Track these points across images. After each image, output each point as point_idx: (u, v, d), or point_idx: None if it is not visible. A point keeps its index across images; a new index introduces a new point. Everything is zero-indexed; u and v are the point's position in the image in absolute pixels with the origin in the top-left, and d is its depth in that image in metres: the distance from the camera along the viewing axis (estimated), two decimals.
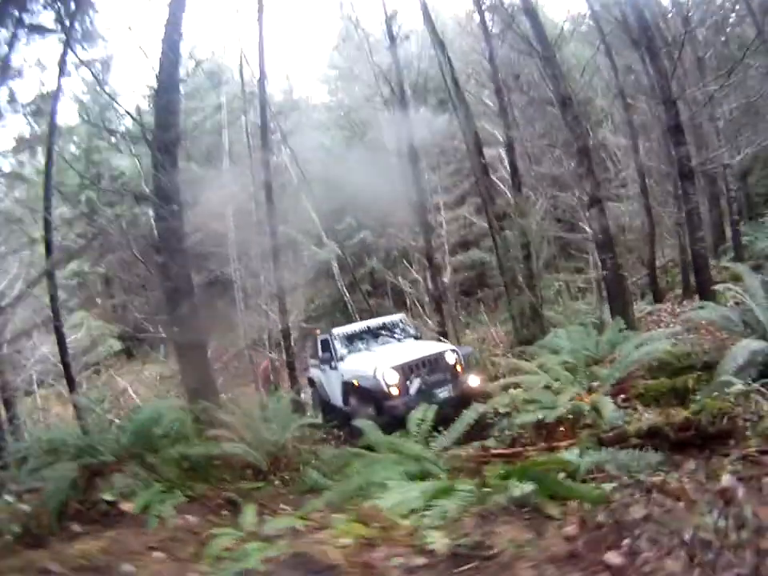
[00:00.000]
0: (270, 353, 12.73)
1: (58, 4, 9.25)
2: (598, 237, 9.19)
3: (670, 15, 12.93)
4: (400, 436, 5.50)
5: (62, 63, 9.88)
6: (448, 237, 15.80)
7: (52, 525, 4.03)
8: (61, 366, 10.52)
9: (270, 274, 11.51)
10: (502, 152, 12.57)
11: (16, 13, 9.02)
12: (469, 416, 5.28)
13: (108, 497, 4.41)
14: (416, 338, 9.32)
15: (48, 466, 4.82)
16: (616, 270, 9.17)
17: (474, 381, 7.58)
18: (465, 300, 16.84)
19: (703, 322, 6.92)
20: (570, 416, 5.26)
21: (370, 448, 5.31)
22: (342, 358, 8.78)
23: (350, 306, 15.16)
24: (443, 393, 7.47)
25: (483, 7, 11.38)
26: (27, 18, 9.16)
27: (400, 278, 14.58)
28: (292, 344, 11.02)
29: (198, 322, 8.47)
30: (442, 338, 10.54)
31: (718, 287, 7.84)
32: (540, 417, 5.13)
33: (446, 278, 14.38)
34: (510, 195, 12.38)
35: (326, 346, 9.26)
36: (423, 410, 5.61)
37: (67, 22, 9.68)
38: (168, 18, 8.73)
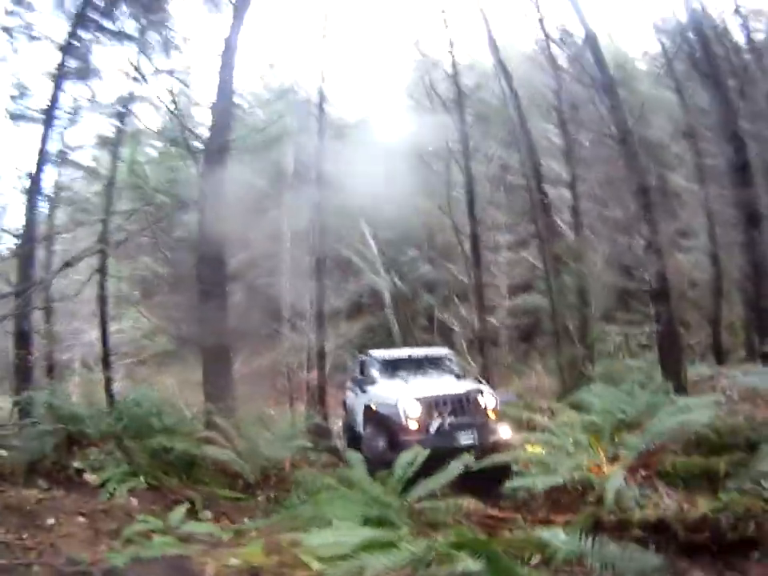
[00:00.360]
0: (308, 373, 12.32)
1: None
2: (653, 286, 8.17)
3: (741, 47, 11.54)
4: (381, 476, 4.88)
5: (137, 70, 10.41)
6: (507, 278, 14.99)
7: (21, 474, 4.56)
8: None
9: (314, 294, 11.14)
10: (566, 192, 11.66)
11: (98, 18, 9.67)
12: (454, 467, 4.59)
13: (77, 465, 4.83)
14: (458, 376, 8.18)
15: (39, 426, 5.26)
16: (671, 324, 8.09)
17: (505, 432, 6.48)
18: (520, 346, 15.71)
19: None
20: (579, 487, 4.52)
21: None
22: (373, 382, 7.94)
23: (396, 338, 14.48)
24: (467, 439, 6.38)
25: (551, 37, 10.75)
26: (108, 24, 9.89)
27: (447, 315, 13.82)
28: (326, 366, 10.59)
29: (225, 328, 8.36)
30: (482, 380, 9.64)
31: None
32: (538, 484, 4.35)
33: (500, 320, 13.56)
34: (571, 237, 11.42)
35: (363, 368, 8.61)
36: (414, 452, 5.00)
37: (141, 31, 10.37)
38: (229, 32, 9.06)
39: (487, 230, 14.32)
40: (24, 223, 9.72)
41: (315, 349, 10.68)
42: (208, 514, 4.56)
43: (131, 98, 10.98)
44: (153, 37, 10.93)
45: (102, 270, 10.34)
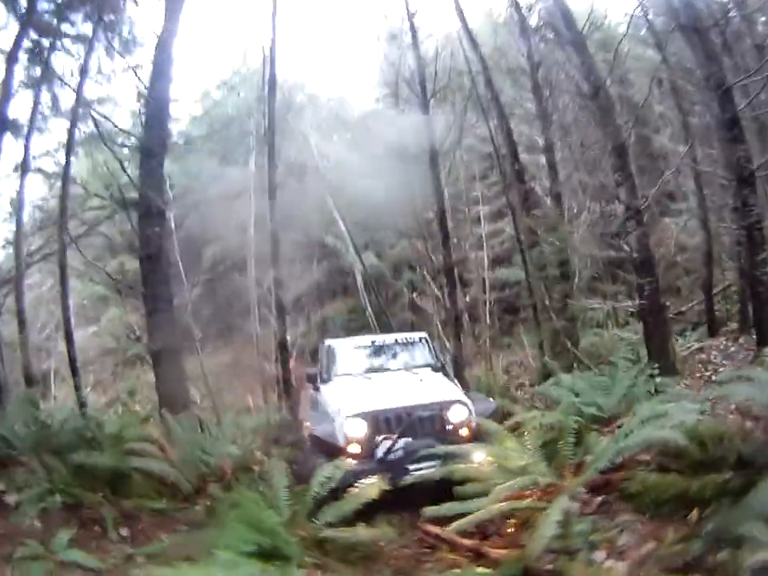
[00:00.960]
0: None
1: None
2: (635, 256, 7.10)
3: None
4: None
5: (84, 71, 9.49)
6: (490, 251, 13.72)
7: None
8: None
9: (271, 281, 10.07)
10: (543, 159, 10.49)
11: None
12: (366, 492, 3.76)
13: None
14: (435, 368, 6.27)
15: None
16: (655, 297, 7.04)
17: (479, 457, 4.35)
18: (506, 319, 14.54)
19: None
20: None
21: None
22: (327, 379, 6.18)
23: (372, 322, 13.26)
24: (425, 469, 4.49)
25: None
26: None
27: (419, 295, 12.76)
28: (291, 357, 9.63)
29: (173, 331, 7.66)
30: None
31: None
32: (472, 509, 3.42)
33: (476, 295, 12.48)
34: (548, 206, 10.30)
35: (321, 360, 6.85)
36: (333, 467, 4.12)
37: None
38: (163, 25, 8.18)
39: (467, 202, 13.29)
40: None
41: (278, 339, 9.63)
42: (124, 531, 4.14)
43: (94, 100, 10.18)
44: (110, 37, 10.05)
45: (62, 274, 9.57)
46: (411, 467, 4.56)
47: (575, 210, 10.62)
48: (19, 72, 9.05)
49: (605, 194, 9.53)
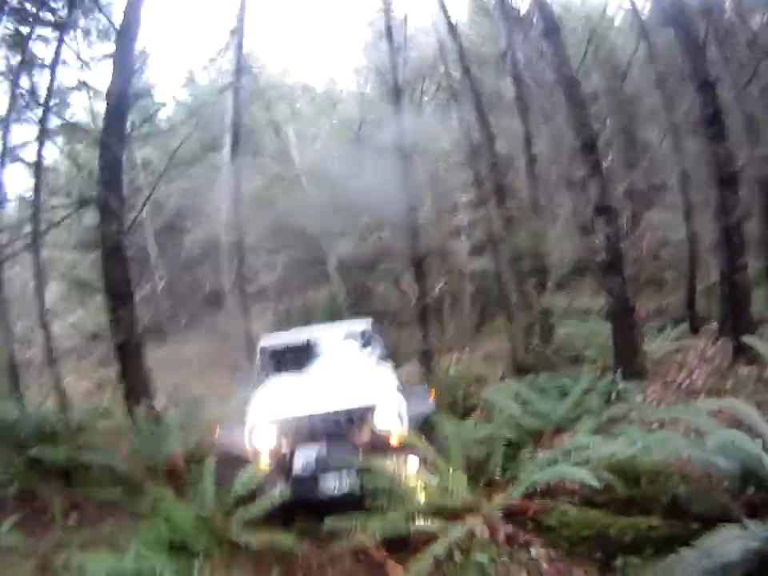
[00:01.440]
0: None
1: None
2: (603, 256, 6.64)
3: None
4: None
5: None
6: (468, 240, 13.19)
7: None
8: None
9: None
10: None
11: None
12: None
13: None
14: (381, 357, 5.58)
15: None
16: (623, 301, 6.60)
17: (413, 464, 3.81)
18: (485, 312, 13.98)
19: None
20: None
21: None
22: (259, 380, 5.34)
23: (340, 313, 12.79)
24: (341, 484, 3.83)
25: None
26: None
27: (394, 284, 12.28)
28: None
29: (134, 327, 7.37)
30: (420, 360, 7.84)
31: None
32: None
33: (441, 287, 11.97)
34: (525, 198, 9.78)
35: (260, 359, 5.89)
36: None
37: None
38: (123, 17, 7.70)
39: (447, 191, 12.78)
40: None
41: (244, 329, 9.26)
42: (72, 520, 4.39)
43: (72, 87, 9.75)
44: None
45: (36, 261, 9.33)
46: (323, 484, 3.85)
47: (553, 203, 10.10)
48: None
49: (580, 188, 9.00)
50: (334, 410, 4.23)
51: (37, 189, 9.43)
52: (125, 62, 7.76)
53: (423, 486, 3.54)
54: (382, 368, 5.26)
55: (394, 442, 4.05)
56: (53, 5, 9.07)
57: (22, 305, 10.51)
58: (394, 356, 7.20)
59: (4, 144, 9.02)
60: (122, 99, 7.81)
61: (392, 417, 4.15)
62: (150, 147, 13.11)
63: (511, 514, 3.30)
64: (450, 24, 9.13)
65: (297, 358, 5.51)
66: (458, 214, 12.31)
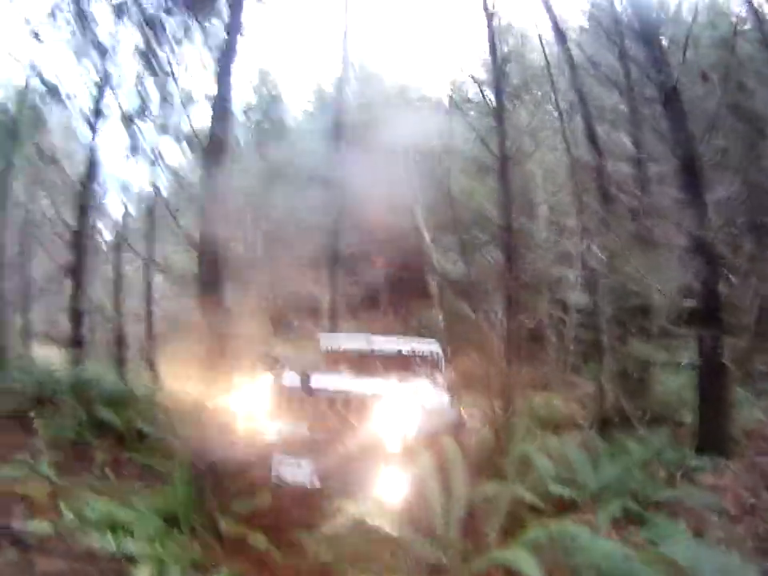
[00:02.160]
0: None
1: None
2: (695, 302, 5.69)
3: None
4: None
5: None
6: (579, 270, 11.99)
7: None
8: None
9: None
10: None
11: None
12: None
13: (32, 414, 5.25)
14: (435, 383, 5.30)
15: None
16: (715, 357, 5.52)
17: (398, 481, 3.57)
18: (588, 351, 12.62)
19: None
20: None
21: None
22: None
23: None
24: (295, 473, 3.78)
25: None
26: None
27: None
28: None
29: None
30: None
31: None
32: None
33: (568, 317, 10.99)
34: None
35: None
36: None
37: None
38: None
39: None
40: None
41: None
42: (109, 472, 4.80)
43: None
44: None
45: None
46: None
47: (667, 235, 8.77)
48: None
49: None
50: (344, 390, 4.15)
51: (155, 186, 10.85)
52: (225, 77, 8.52)
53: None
54: (422, 384, 4.89)
55: (391, 448, 3.70)
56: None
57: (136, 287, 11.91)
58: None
59: (133, 141, 10.56)
60: (223, 115, 8.61)
61: (395, 414, 3.80)
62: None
63: None
64: (559, 34, 8.49)
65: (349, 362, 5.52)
66: (568, 240, 11.39)
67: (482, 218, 10.91)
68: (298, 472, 3.75)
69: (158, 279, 11.87)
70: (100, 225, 10.43)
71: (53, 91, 9.77)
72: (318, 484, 3.64)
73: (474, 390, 9.98)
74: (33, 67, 9.91)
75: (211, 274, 8.00)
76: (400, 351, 5.76)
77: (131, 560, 2.74)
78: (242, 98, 15.27)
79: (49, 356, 9.85)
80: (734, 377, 6.77)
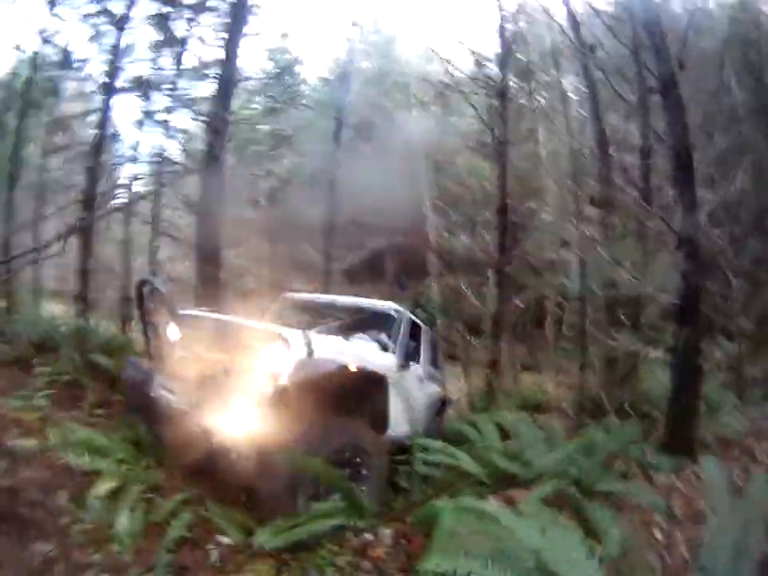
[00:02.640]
0: None
1: None
2: (673, 297, 5.87)
3: None
4: None
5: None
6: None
7: None
8: None
9: None
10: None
11: None
12: None
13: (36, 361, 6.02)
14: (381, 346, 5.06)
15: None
16: (691, 356, 5.60)
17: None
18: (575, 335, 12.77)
19: None
20: None
21: None
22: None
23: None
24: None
25: None
26: None
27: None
28: None
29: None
30: None
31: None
32: None
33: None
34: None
35: None
36: None
37: None
38: None
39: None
40: None
41: None
42: (99, 411, 5.19)
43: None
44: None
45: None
46: None
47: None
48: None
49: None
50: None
51: (161, 152, 11.21)
52: (235, 38, 8.75)
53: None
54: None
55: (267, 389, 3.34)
56: None
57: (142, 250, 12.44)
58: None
59: (145, 110, 10.86)
60: (229, 76, 8.84)
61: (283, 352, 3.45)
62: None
63: None
64: (571, 17, 8.51)
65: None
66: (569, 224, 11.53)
67: (484, 196, 11.12)
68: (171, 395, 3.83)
69: (164, 242, 12.29)
70: (109, 188, 10.75)
71: (65, 58, 10.18)
72: (183, 406, 3.62)
73: (462, 364, 10.38)
74: (45, 35, 10.29)
75: (210, 238, 8.52)
76: (358, 307, 5.85)
77: (100, 476, 3.18)
78: (257, 65, 15.44)
79: (56, 311, 10.46)
80: (717, 379, 6.93)
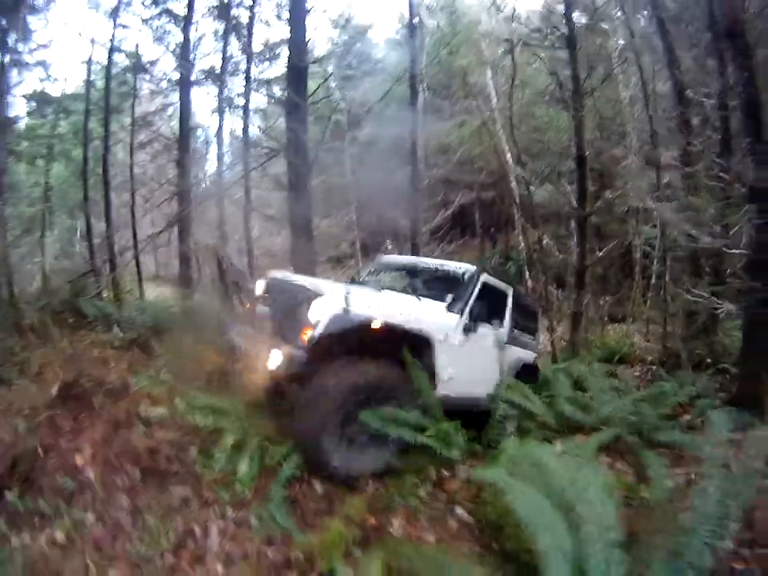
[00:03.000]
0: None
1: None
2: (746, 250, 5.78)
3: None
4: None
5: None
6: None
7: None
8: None
9: None
10: None
11: None
12: None
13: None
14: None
15: None
16: (761, 312, 5.38)
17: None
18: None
19: None
20: None
21: None
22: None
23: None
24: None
25: None
26: None
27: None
28: None
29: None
30: None
31: None
32: None
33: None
34: None
35: None
36: None
37: None
38: None
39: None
40: None
41: None
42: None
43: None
44: None
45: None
46: None
47: None
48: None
49: None
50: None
51: (245, 133, 12.11)
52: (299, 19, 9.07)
53: None
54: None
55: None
56: None
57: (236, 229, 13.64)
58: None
59: (220, 95, 11.67)
60: (300, 57, 8.91)
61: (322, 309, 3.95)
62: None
63: None
64: None
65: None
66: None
67: (563, 147, 10.99)
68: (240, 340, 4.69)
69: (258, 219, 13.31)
70: (198, 175, 11.88)
71: (137, 62, 11.24)
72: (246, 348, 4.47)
73: (548, 317, 10.41)
74: (114, 45, 11.41)
75: (300, 211, 9.09)
76: (435, 269, 6.07)
77: (223, 432, 3.91)
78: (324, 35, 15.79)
79: (162, 294, 11.91)
80: None
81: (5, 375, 5.17)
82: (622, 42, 10.37)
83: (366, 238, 15.88)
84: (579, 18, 9.26)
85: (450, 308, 4.97)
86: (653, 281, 11.98)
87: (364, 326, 3.98)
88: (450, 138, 15.91)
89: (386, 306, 4.38)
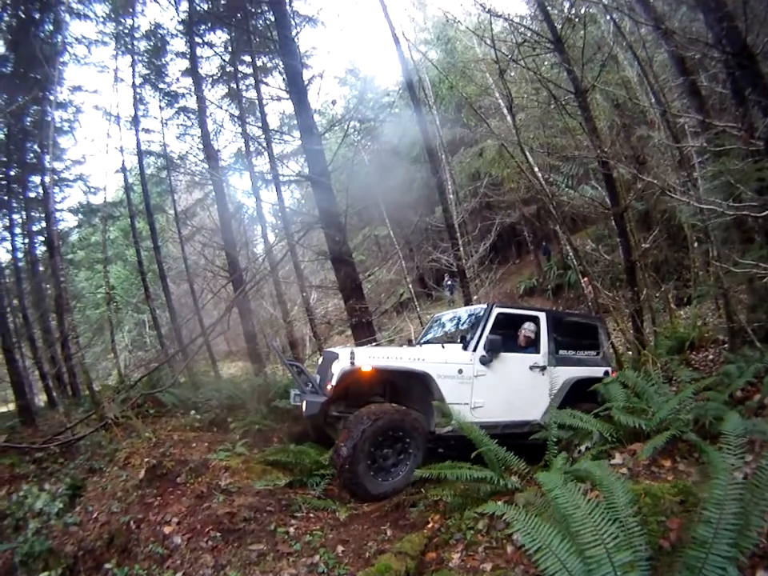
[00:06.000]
0: None
1: None
2: None
3: None
4: None
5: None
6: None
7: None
8: None
9: None
10: None
11: None
12: None
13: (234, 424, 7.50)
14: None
15: None
16: None
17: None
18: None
19: None
20: None
21: None
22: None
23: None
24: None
25: None
26: None
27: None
28: None
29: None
30: None
31: None
32: None
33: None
34: None
35: None
36: None
37: None
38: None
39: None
40: None
41: None
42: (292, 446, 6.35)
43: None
44: None
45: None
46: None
47: None
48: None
49: None
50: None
51: (282, 208, 12.98)
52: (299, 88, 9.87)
53: None
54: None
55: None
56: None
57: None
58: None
59: (252, 175, 12.65)
60: (309, 138, 9.64)
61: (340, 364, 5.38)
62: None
63: None
64: None
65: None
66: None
67: (579, 149, 10.99)
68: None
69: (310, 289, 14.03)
70: (250, 261, 12.85)
71: (167, 162, 12.54)
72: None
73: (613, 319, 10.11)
74: (141, 149, 12.79)
75: (348, 281, 9.62)
76: (460, 316, 7.21)
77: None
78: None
79: (233, 371, 12.72)
80: None
81: (95, 466, 5.94)
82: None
83: (415, 284, 16.34)
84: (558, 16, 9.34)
85: (465, 347, 5.83)
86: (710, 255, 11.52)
87: (357, 371, 5.39)
88: (475, 165, 16.26)
89: (393, 356, 5.66)
